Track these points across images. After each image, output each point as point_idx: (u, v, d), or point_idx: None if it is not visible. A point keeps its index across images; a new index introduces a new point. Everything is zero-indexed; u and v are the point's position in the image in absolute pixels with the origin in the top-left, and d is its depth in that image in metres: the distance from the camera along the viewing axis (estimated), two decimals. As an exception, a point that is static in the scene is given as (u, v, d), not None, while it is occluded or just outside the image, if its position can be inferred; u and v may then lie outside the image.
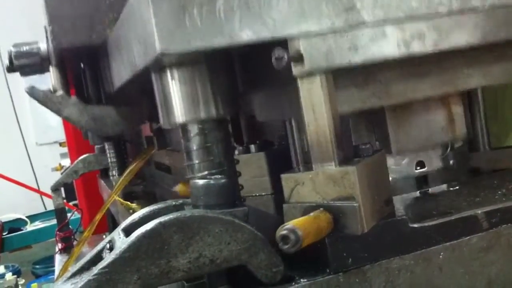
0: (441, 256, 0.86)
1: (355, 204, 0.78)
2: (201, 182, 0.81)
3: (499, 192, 0.99)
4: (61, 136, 3.72)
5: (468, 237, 0.87)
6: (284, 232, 0.72)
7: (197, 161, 0.87)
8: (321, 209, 0.79)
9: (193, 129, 0.88)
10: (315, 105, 0.82)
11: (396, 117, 1.09)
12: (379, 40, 0.84)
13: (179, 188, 1.05)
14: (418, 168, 1.08)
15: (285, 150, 1.22)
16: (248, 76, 1.06)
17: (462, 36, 0.89)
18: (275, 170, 1.16)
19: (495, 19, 0.90)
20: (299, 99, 0.83)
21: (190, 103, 0.87)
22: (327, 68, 0.82)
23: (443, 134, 1.12)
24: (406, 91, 0.95)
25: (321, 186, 0.82)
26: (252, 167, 1.23)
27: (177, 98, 0.87)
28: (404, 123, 1.10)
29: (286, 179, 0.85)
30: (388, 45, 0.85)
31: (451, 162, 1.16)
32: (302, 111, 0.83)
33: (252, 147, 1.26)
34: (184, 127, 0.89)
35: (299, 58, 0.80)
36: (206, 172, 0.86)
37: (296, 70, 0.81)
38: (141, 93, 1.27)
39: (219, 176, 0.84)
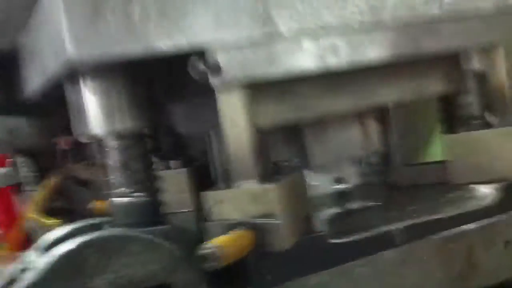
0: (356, 271, 0.88)
1: (276, 222, 0.79)
2: (120, 200, 0.80)
3: (411, 208, 1.03)
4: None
5: (383, 252, 0.90)
6: (204, 251, 0.72)
7: (115, 179, 0.85)
8: (242, 226, 0.79)
9: (110, 144, 0.86)
10: (234, 117, 0.83)
11: (313, 132, 1.12)
12: (295, 53, 0.86)
13: (94, 205, 1.02)
14: (337, 184, 1.11)
15: (208, 166, 1.21)
16: (168, 86, 1.05)
17: (374, 51, 0.93)
18: (197, 187, 1.15)
19: (404, 35, 0.95)
20: (218, 111, 0.83)
21: (105, 115, 0.83)
22: (245, 79, 0.83)
23: (358, 149, 1.15)
24: (321, 105, 0.98)
25: (242, 203, 0.82)
26: (174, 183, 1.21)
27: (92, 109, 0.83)
28: (321, 138, 1.12)
29: (206, 197, 0.85)
30: (304, 58, 0.87)
31: (369, 178, 1.20)
32: (221, 124, 0.84)
33: (173, 163, 1.25)
34: (100, 141, 0.86)
35: (216, 68, 0.80)
36: (125, 190, 0.84)
37: (214, 81, 0.81)
38: (55, 104, 1.22)
39: (139, 194, 0.83)
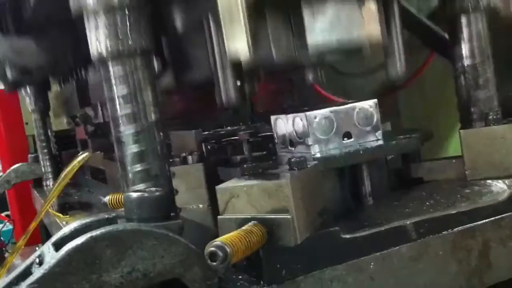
0: (372, 266, 0.88)
1: (288, 217, 0.79)
2: (134, 195, 0.80)
3: (427, 203, 1.03)
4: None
5: (398, 247, 0.90)
6: (212, 249, 0.72)
7: (131, 176, 0.86)
8: (255, 222, 0.79)
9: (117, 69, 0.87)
10: None
11: (311, 10, 1.07)
12: None
13: (109, 199, 1.03)
14: (345, 139, 1.07)
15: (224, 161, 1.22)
16: None
17: None
18: (212, 182, 1.16)
19: None
20: None
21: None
22: None
23: (358, 31, 1.10)
24: None
25: (256, 198, 0.82)
26: (190, 178, 1.22)
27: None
28: (320, 16, 1.08)
29: (221, 191, 0.86)
30: None
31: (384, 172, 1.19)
32: None
33: (190, 158, 1.25)
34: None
35: None
36: (140, 187, 0.85)
37: None
38: (61, 27, 1.22)
39: (154, 188, 0.84)
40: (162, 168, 0.89)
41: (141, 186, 0.85)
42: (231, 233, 0.75)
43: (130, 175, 0.87)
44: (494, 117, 1.12)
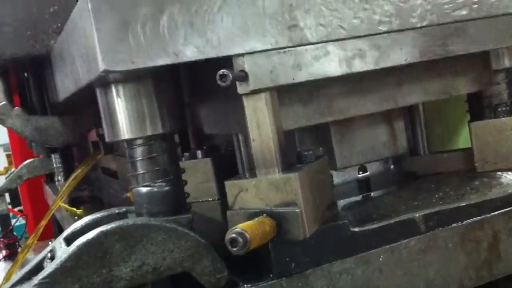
0: (380, 259, 0.88)
1: (297, 210, 0.80)
2: (144, 189, 0.81)
3: (436, 195, 1.03)
4: (6, 139, 3.61)
5: (407, 239, 0.90)
6: (233, 235, 0.72)
7: (141, 171, 0.87)
8: (264, 215, 0.80)
9: (139, 144, 0.88)
10: (260, 121, 0.83)
11: (340, 132, 1.12)
12: (322, 58, 0.86)
13: (131, 194, 1.04)
14: (361, 172, 1.11)
15: (232, 155, 1.23)
16: (196, 87, 1.05)
17: (401, 54, 0.92)
18: (221, 176, 1.16)
19: (432, 36, 0.94)
20: (245, 115, 0.84)
21: (135, 120, 0.85)
22: (272, 86, 0.83)
23: (386, 149, 1.15)
24: (348, 108, 0.98)
25: (264, 192, 0.83)
26: (199, 173, 1.23)
27: (123, 115, 0.85)
28: (348, 139, 1.12)
29: (230, 186, 0.86)
30: (331, 63, 0.86)
31: (391, 167, 1.19)
32: (248, 127, 0.84)
33: (199, 152, 1.26)
34: (129, 142, 0.89)
35: (244, 77, 0.80)
36: (150, 179, 0.86)
37: (241, 88, 0.82)
38: (86, 103, 1.25)
39: (163, 183, 0.84)
40: (171, 163, 0.89)
41: (150, 181, 0.86)
42: (246, 223, 0.76)
43: (139, 173, 0.88)
44: (504, 109, 1.11)
